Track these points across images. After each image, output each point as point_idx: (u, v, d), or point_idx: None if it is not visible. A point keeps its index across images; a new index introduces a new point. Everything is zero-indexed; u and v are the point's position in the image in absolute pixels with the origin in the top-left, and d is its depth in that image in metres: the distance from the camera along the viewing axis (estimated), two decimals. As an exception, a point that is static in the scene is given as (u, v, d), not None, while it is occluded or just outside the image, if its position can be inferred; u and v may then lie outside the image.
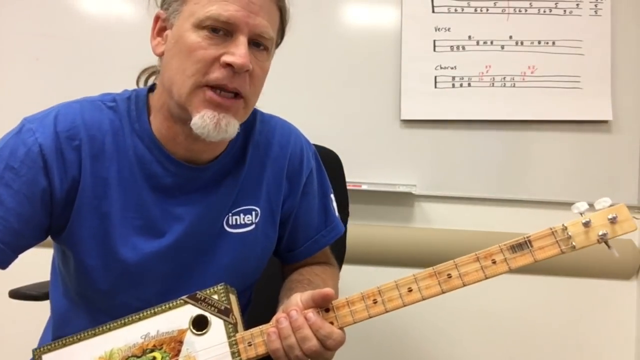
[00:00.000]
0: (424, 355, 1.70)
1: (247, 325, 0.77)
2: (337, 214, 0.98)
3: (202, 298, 0.74)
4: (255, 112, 0.89)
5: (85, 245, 0.78)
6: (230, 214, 0.85)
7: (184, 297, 0.75)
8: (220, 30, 0.72)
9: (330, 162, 1.22)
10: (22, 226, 0.74)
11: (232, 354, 0.73)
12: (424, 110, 1.64)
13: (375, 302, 0.72)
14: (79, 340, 0.75)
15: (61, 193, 0.75)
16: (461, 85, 1.64)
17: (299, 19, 1.82)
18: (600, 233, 0.67)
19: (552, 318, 1.66)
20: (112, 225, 0.78)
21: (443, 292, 0.70)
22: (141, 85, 0.89)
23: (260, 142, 0.88)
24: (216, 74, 0.72)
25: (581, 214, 0.69)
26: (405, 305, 0.71)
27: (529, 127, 1.63)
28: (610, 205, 0.69)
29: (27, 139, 0.74)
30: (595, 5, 1.61)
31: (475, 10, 1.64)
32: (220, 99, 0.73)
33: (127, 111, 0.80)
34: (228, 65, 0.71)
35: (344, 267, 1.73)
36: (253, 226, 0.87)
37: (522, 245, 0.70)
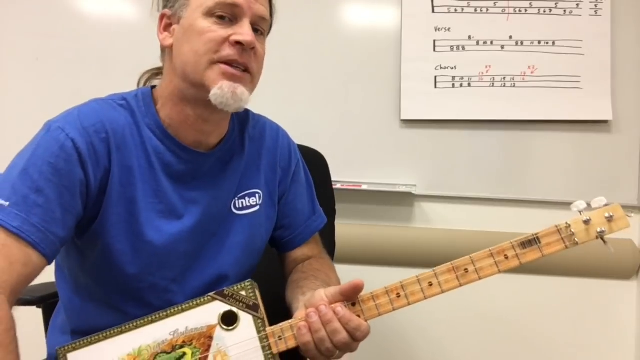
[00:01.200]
0: (424, 355, 1.70)
1: None
2: (319, 205, 1.07)
3: (230, 294, 0.77)
4: (247, 111, 0.98)
5: (114, 231, 0.82)
6: (236, 198, 0.93)
7: (211, 294, 0.76)
8: (227, 17, 0.82)
9: (315, 162, 1.24)
10: (65, 217, 0.77)
11: (263, 348, 0.75)
12: (424, 110, 1.64)
13: (398, 295, 0.77)
14: (105, 338, 0.75)
15: (95, 183, 0.80)
16: (461, 85, 1.64)
17: (299, 19, 1.83)
18: (598, 230, 0.77)
19: (552, 318, 1.66)
20: (138, 210, 0.83)
21: (461, 285, 0.77)
22: (141, 86, 0.95)
23: (255, 135, 0.97)
24: (227, 51, 0.80)
25: (580, 212, 0.79)
26: (426, 298, 0.77)
27: (529, 127, 1.63)
28: (606, 205, 0.79)
29: (59, 135, 0.78)
30: (595, 5, 1.61)
31: (475, 10, 1.64)
32: (234, 70, 0.81)
33: (137, 107, 0.87)
34: (237, 43, 0.80)
35: (344, 267, 1.72)
36: (257, 207, 0.95)
37: (531, 242, 0.79)
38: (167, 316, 0.76)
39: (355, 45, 1.66)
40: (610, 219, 0.78)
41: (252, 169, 0.95)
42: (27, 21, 1.69)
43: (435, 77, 1.64)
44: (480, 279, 0.77)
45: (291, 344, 0.76)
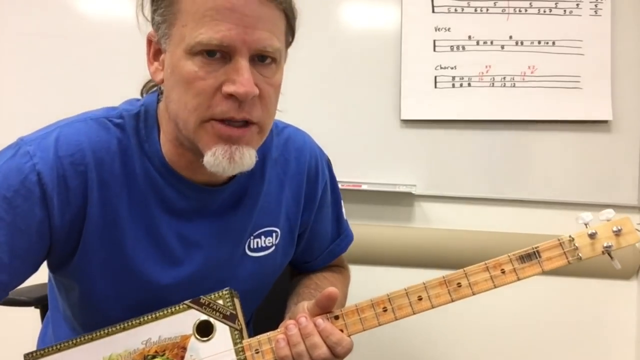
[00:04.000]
0: (424, 355, 1.70)
1: (253, 330, 0.76)
2: (346, 219, 0.97)
3: (207, 303, 0.72)
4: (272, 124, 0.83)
5: (95, 276, 0.73)
6: (252, 237, 0.81)
7: (187, 302, 0.72)
8: (217, 52, 0.64)
9: None
10: (13, 261, 0.67)
11: None
12: (424, 110, 1.64)
13: (385, 310, 0.72)
14: (75, 345, 0.71)
15: (62, 224, 0.69)
16: (461, 85, 1.64)
17: (299, 19, 1.82)
18: (605, 245, 0.70)
19: (552, 318, 1.66)
20: (126, 255, 0.73)
21: (452, 301, 0.71)
22: (145, 95, 0.84)
23: (278, 159, 0.83)
24: (220, 107, 0.65)
25: (586, 225, 0.72)
26: (414, 314, 0.72)
27: (529, 127, 1.63)
28: (614, 217, 0.72)
29: (24, 164, 0.67)
30: (595, 5, 1.61)
31: (475, 10, 1.64)
32: (229, 130, 0.66)
33: (136, 129, 0.73)
34: (231, 95, 0.64)
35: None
36: (273, 248, 0.84)
37: (530, 256, 0.72)
38: (140, 324, 0.71)
39: (355, 45, 1.66)
40: (618, 233, 0.71)
41: (271, 202, 0.82)
42: (27, 21, 1.69)
43: (435, 77, 1.64)
44: (473, 294, 0.72)
45: (269, 357, 0.71)
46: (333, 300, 0.70)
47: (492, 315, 1.67)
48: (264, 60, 0.67)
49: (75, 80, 1.65)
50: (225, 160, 0.66)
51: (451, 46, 1.64)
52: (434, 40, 1.64)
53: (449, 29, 1.64)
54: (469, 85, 1.63)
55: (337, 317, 0.71)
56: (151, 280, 0.74)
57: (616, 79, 1.60)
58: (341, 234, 0.95)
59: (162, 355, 0.70)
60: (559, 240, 0.72)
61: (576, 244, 0.71)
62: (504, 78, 1.63)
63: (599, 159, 1.62)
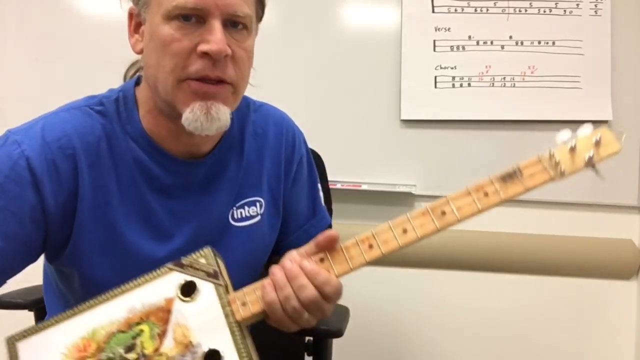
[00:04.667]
0: (424, 355, 1.70)
1: (251, 327, 0.74)
2: (323, 204, 0.97)
3: (189, 264, 0.70)
4: (248, 102, 0.87)
5: (92, 258, 0.74)
6: (234, 207, 0.83)
7: (168, 265, 0.70)
8: (192, 17, 0.68)
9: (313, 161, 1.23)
10: (8, 245, 0.68)
11: (226, 315, 0.68)
12: (424, 110, 1.64)
13: (370, 246, 0.70)
14: (57, 322, 0.69)
15: (56, 207, 0.71)
16: (461, 85, 1.64)
17: (299, 19, 1.82)
18: (586, 156, 0.68)
19: (552, 318, 1.66)
20: (119, 233, 0.74)
21: (439, 230, 0.69)
22: (129, 79, 0.86)
23: (257, 132, 0.86)
24: (195, 66, 0.69)
25: (565, 142, 0.69)
26: (401, 247, 0.69)
27: (529, 127, 1.63)
28: (592, 130, 0.70)
29: (13, 151, 0.69)
30: (595, 5, 1.61)
31: (475, 10, 1.64)
32: (205, 86, 0.70)
33: (117, 113, 0.77)
34: (205, 54, 0.68)
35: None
36: (259, 217, 0.85)
37: (511, 175, 0.71)
38: (123, 292, 0.69)
39: (355, 45, 1.66)
40: (598, 144, 0.68)
41: (253, 174, 0.85)
42: (28, 21, 1.69)
43: (435, 77, 1.64)
44: (460, 220, 0.69)
45: (256, 308, 0.68)
46: (333, 242, 0.69)
47: (492, 316, 1.67)
48: (236, 26, 0.71)
49: (75, 80, 1.66)
50: (203, 115, 0.69)
51: (451, 46, 1.64)
52: (434, 40, 1.64)
53: (449, 29, 1.64)
54: (469, 85, 1.63)
55: (322, 260, 0.69)
56: (146, 256, 0.75)
57: (616, 79, 1.60)
58: (317, 215, 0.95)
59: (148, 321, 0.68)
60: (538, 156, 0.70)
61: (557, 159, 0.69)
62: (504, 78, 1.63)
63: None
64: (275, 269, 0.68)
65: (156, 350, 0.66)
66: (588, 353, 1.66)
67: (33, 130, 0.72)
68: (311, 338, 1.15)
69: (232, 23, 0.71)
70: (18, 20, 1.69)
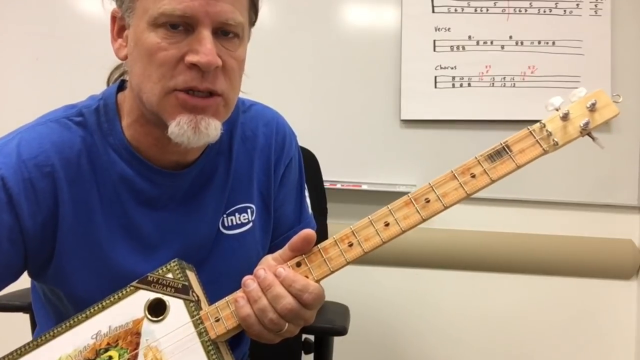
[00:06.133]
0: (424, 355, 1.70)
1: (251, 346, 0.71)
2: (310, 210, 0.92)
3: (155, 280, 0.66)
4: (237, 102, 0.80)
5: (77, 277, 0.71)
6: (225, 215, 0.79)
7: (134, 283, 0.66)
8: (180, 25, 0.64)
9: (306, 161, 1.23)
10: None
11: (199, 334, 0.63)
12: (424, 110, 1.64)
13: (350, 244, 0.64)
14: (20, 355, 0.65)
15: (34, 227, 0.68)
16: (461, 85, 1.64)
17: (299, 19, 1.82)
18: (581, 123, 0.61)
19: (552, 318, 1.66)
20: (104, 251, 0.71)
21: (424, 220, 0.63)
22: (112, 83, 0.82)
23: (246, 135, 0.82)
24: (183, 77, 0.65)
25: (557, 109, 0.63)
26: (384, 243, 0.64)
27: (529, 127, 1.63)
28: (586, 94, 0.63)
29: None
30: (595, 5, 1.61)
31: (475, 10, 1.64)
32: (194, 100, 0.65)
33: (98, 124, 0.73)
34: (194, 65, 0.64)
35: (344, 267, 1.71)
36: (250, 224, 0.81)
37: (500, 152, 0.63)
38: (87, 317, 0.65)
39: (355, 45, 1.66)
40: (593, 109, 0.62)
41: (243, 180, 0.81)
42: (27, 21, 1.69)
43: (435, 77, 1.64)
44: (445, 207, 0.63)
45: (231, 323, 0.64)
46: (309, 244, 0.64)
47: (492, 315, 1.67)
48: (227, 34, 0.67)
49: (75, 80, 1.65)
50: (190, 129, 0.65)
51: (451, 46, 1.64)
52: (434, 40, 1.64)
53: (449, 29, 1.64)
54: (469, 85, 1.63)
55: (299, 264, 0.64)
56: (133, 272, 0.70)
57: (616, 79, 1.60)
58: (302, 222, 0.89)
59: (116, 347, 0.63)
60: (528, 129, 0.63)
61: (549, 129, 0.62)
62: (504, 78, 1.63)
63: (599, 158, 1.62)
64: (247, 280, 0.63)
65: None
66: (588, 353, 1.66)
67: (8, 148, 0.68)
68: (311, 337, 1.16)
69: (223, 32, 0.67)
70: (18, 20, 1.69)
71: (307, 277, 0.63)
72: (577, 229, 1.63)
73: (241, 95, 0.77)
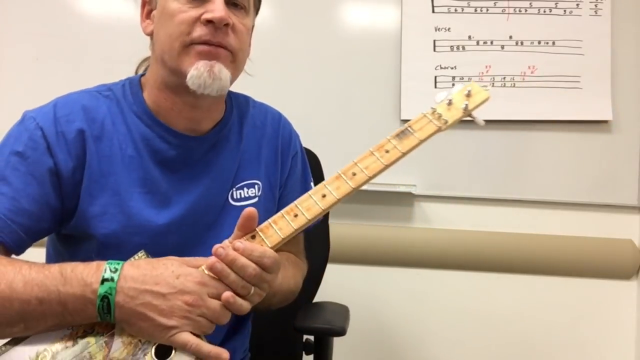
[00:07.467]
0: (424, 355, 1.70)
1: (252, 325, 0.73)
2: None
3: None
4: (248, 100, 0.96)
5: (97, 222, 0.79)
6: (234, 189, 0.89)
7: None
8: None
9: (308, 160, 1.23)
10: (32, 206, 0.76)
11: None
12: (424, 110, 1.64)
13: (296, 215, 0.74)
14: (2, 352, 0.68)
15: (67, 171, 0.78)
16: (461, 85, 1.64)
17: (299, 19, 1.82)
18: (462, 106, 0.81)
19: (552, 318, 1.66)
20: (123, 200, 0.80)
21: (354, 189, 0.76)
22: (139, 73, 0.93)
23: (256, 124, 0.94)
24: (199, 32, 0.78)
25: (442, 100, 0.83)
26: (324, 211, 0.74)
27: (529, 127, 1.63)
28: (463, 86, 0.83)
29: (29, 125, 0.79)
30: (595, 5, 1.61)
31: (475, 10, 1.64)
32: (208, 47, 0.78)
33: (123, 96, 0.85)
34: (209, 22, 0.77)
35: (344, 267, 1.72)
36: (256, 199, 0.90)
37: (404, 132, 0.81)
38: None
39: (355, 45, 1.66)
40: (469, 95, 0.81)
41: (252, 159, 0.91)
42: (27, 21, 1.69)
43: (435, 77, 1.64)
44: (370, 177, 0.77)
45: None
46: (253, 220, 0.73)
47: (492, 315, 1.67)
48: (236, 6, 0.82)
49: (75, 80, 1.65)
50: (206, 72, 0.77)
51: (451, 46, 1.64)
52: (434, 40, 1.64)
53: (449, 29, 1.64)
54: (469, 85, 1.63)
55: (253, 237, 0.73)
56: (148, 221, 0.81)
57: (616, 79, 1.60)
58: None
59: (92, 333, 0.69)
60: (423, 114, 0.82)
61: (439, 112, 0.82)
62: (504, 78, 1.63)
63: (599, 159, 1.62)
64: (215, 263, 0.69)
65: (105, 357, 0.67)
66: (588, 353, 1.66)
67: (47, 108, 0.81)
68: (311, 337, 1.16)
69: (233, 4, 0.81)
70: (18, 20, 1.69)
71: (262, 245, 0.72)
72: (577, 229, 1.63)
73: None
